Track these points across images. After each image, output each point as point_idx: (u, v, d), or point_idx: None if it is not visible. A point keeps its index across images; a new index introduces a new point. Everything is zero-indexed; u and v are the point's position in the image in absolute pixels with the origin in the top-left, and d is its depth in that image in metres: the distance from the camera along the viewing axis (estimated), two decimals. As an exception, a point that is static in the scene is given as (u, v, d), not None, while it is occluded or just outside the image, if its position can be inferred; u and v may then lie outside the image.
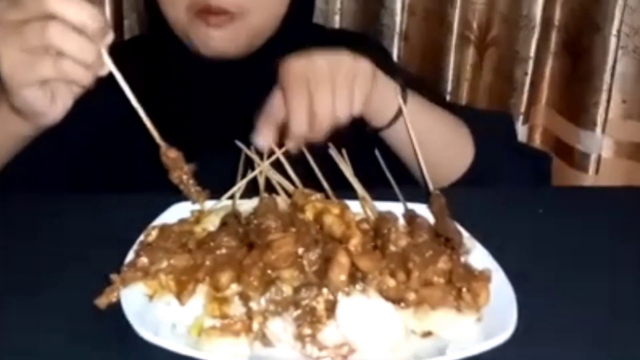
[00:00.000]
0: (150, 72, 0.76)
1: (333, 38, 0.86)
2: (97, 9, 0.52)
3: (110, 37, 0.53)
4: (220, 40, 0.71)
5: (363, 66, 0.62)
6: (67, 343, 0.46)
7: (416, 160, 0.63)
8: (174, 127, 0.73)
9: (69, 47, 0.50)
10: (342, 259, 0.45)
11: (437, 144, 0.70)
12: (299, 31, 0.76)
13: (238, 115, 0.63)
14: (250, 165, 0.60)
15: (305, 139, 0.59)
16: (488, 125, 0.83)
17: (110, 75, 0.55)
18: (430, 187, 0.59)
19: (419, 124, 0.65)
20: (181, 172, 0.55)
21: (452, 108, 0.77)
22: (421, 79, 1.01)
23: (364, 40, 0.93)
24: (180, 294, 0.45)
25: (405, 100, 0.66)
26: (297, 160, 0.59)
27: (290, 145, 0.59)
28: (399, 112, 0.66)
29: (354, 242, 0.47)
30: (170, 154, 0.55)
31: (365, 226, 0.52)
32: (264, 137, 0.60)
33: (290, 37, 0.74)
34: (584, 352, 0.47)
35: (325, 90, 0.59)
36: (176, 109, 0.75)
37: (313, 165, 0.59)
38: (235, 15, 0.70)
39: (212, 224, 0.53)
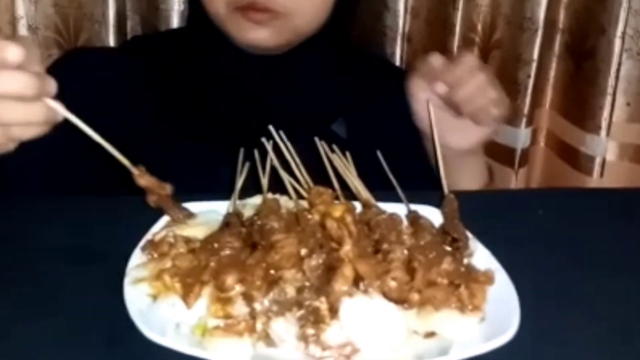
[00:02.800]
0: (187, 63, 0.76)
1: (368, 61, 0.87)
2: (30, 52, 0.48)
3: (52, 86, 0.49)
4: (260, 35, 0.71)
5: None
6: (69, 343, 0.46)
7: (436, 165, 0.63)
8: (204, 118, 0.74)
9: (12, 117, 0.48)
10: (347, 272, 0.45)
11: (467, 180, 0.74)
12: (339, 34, 0.77)
13: (269, 110, 0.63)
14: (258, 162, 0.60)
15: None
16: None
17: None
18: (446, 189, 0.59)
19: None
20: (159, 194, 0.54)
21: None
22: None
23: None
24: (187, 296, 0.45)
25: None
26: (306, 160, 0.60)
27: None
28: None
29: (345, 249, 0.46)
30: (142, 181, 0.53)
31: (367, 229, 0.52)
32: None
33: (330, 39, 0.75)
34: (586, 353, 0.47)
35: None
36: (208, 100, 0.75)
37: (327, 166, 0.59)
38: (278, 15, 0.70)
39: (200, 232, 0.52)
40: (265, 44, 0.72)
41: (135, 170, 0.53)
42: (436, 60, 0.68)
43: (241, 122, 0.72)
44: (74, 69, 0.75)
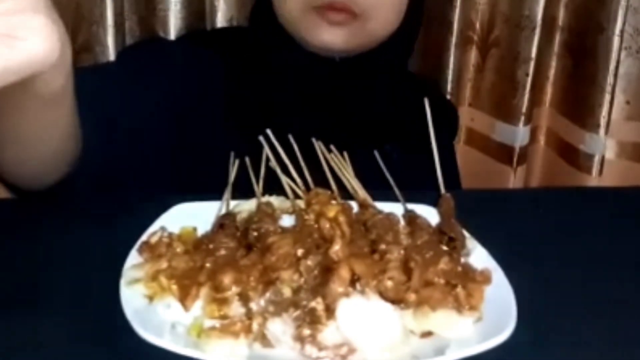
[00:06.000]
0: (256, 61, 0.75)
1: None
2: None
3: None
4: (335, 36, 0.70)
5: None
6: (66, 343, 0.46)
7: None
8: (261, 117, 0.73)
9: None
10: (344, 272, 0.45)
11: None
12: (407, 44, 0.77)
13: (329, 113, 0.63)
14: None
15: None
16: None
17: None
18: (442, 189, 0.59)
19: None
20: None
21: None
22: None
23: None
24: (184, 298, 0.45)
25: None
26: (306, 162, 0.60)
27: None
28: None
29: (335, 249, 0.46)
30: None
31: (363, 229, 0.52)
32: None
33: (398, 49, 0.75)
34: (584, 353, 0.47)
35: None
36: (273, 101, 0.74)
37: (324, 166, 0.59)
38: (356, 16, 0.70)
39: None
40: (339, 47, 0.72)
41: None
42: None
43: (305, 125, 0.68)
44: (154, 55, 0.75)
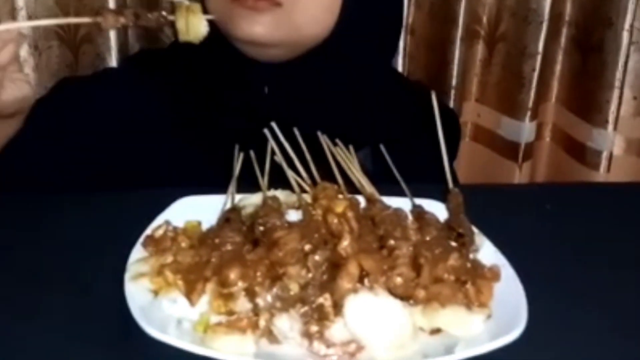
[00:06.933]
0: (194, 74, 0.75)
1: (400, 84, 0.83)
2: None
3: None
4: (257, 26, 0.68)
5: None
6: (70, 340, 0.45)
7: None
8: (210, 130, 0.73)
9: None
10: (352, 269, 0.44)
11: None
12: (350, 52, 0.74)
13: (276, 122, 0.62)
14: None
15: None
16: None
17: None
18: (450, 184, 0.58)
19: None
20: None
21: None
22: None
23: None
24: (190, 294, 0.44)
25: None
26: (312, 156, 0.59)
27: None
28: None
29: (343, 245, 0.46)
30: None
31: (371, 224, 0.51)
32: None
33: (339, 55, 0.72)
34: (596, 350, 0.46)
35: None
36: (214, 111, 0.73)
37: (330, 161, 0.58)
38: (278, 4, 0.68)
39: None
40: (262, 37, 0.69)
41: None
42: None
43: (246, 135, 0.66)
44: (77, 97, 0.75)
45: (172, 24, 0.61)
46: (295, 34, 0.71)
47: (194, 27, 0.60)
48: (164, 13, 0.59)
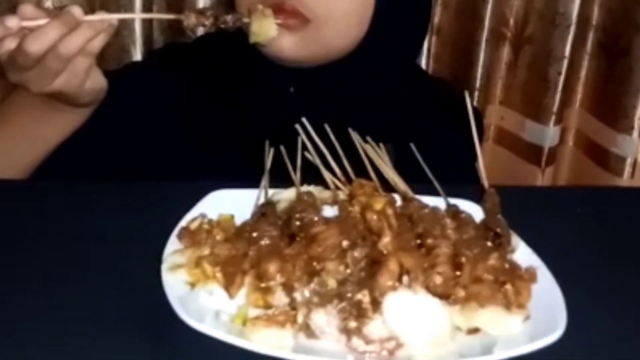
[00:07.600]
0: (215, 73, 0.75)
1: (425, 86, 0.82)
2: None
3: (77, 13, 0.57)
4: (284, 41, 0.67)
5: None
6: (104, 329, 0.45)
7: None
8: (233, 130, 0.72)
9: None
10: (393, 266, 0.44)
11: None
12: (377, 58, 0.73)
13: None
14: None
15: None
16: None
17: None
18: (486, 184, 0.58)
19: None
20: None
21: None
22: None
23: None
24: (230, 286, 0.44)
25: None
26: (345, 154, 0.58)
27: None
28: None
29: (384, 242, 0.45)
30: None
31: (409, 222, 0.51)
32: None
33: (366, 60, 0.72)
34: (630, 352, 0.46)
35: None
36: (235, 112, 0.73)
37: (364, 158, 0.58)
38: (307, 22, 0.67)
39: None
40: (289, 54, 0.69)
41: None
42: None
43: (270, 134, 0.66)
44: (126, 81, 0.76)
45: (245, 26, 0.65)
46: (323, 49, 0.70)
47: (266, 29, 0.65)
48: (238, 16, 0.64)
